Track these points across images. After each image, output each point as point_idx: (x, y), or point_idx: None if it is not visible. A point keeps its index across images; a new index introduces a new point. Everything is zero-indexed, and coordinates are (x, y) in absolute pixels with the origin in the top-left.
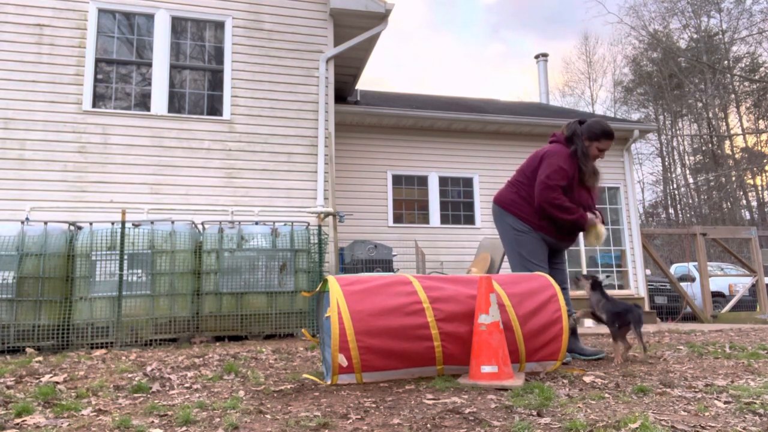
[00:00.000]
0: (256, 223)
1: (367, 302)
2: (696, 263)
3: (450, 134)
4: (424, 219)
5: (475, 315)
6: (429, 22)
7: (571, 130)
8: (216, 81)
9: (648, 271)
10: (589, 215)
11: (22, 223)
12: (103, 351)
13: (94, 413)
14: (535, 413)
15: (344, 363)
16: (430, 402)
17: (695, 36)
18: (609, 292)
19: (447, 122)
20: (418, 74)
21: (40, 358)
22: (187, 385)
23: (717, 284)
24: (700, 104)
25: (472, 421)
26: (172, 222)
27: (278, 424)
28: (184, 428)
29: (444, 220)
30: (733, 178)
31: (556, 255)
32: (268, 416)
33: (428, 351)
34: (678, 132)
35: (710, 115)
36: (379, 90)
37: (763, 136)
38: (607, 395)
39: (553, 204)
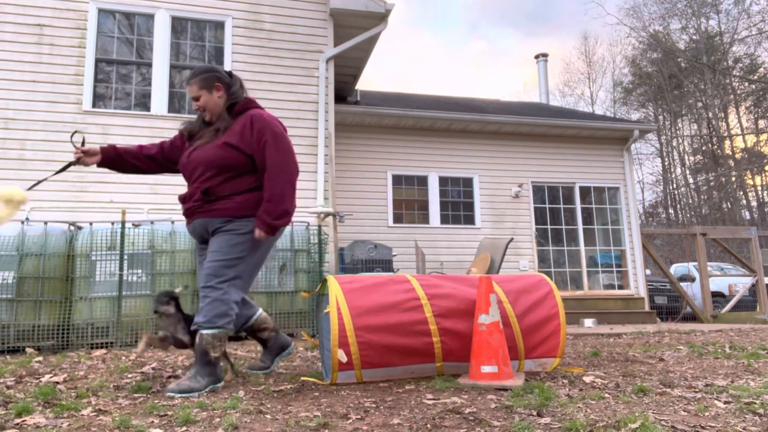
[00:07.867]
0: None
1: (366, 299)
2: (696, 263)
3: (450, 134)
4: (424, 219)
5: (474, 315)
6: (407, 18)
7: None
8: None
9: (648, 271)
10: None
11: (22, 223)
12: (103, 351)
13: (94, 413)
14: (535, 413)
15: (344, 359)
16: (430, 402)
17: (695, 36)
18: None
19: (447, 122)
20: (401, 72)
21: (40, 358)
22: None
23: (717, 284)
24: (699, 104)
25: (472, 421)
26: (172, 222)
27: (278, 424)
28: (184, 428)
29: (444, 220)
30: (733, 178)
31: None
32: (268, 416)
33: (427, 347)
34: (678, 132)
35: (710, 115)
36: (377, 90)
37: (763, 136)
38: (607, 395)
39: None
